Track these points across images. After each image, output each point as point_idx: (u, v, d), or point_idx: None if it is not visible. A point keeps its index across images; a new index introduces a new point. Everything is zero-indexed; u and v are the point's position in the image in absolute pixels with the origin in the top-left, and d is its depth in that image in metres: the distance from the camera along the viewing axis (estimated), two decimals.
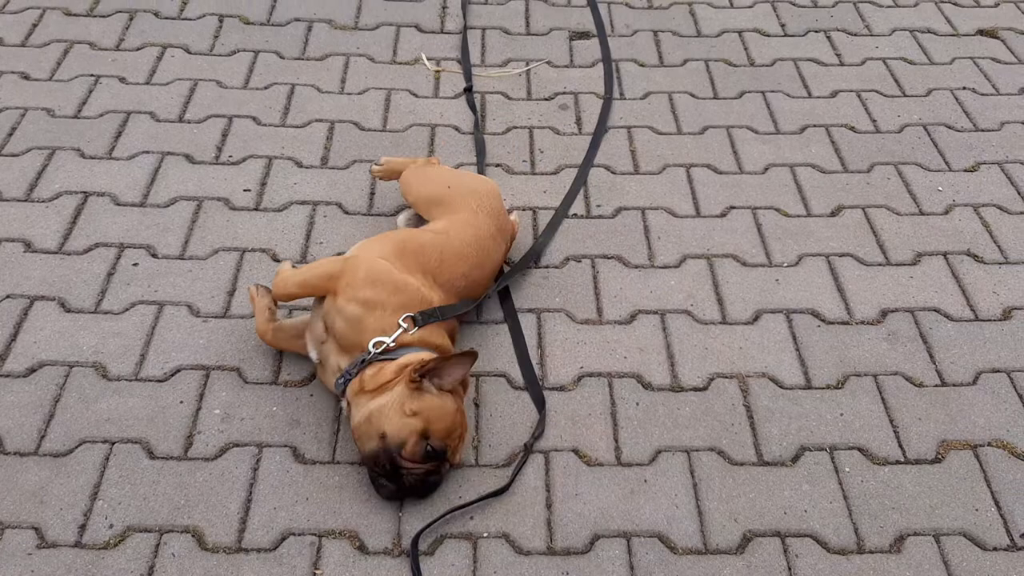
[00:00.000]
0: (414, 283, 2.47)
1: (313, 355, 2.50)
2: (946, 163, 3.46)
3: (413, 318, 2.39)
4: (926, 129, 3.61)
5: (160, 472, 2.36)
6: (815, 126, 3.61)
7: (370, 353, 2.33)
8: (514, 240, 2.98)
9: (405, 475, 2.23)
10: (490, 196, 2.85)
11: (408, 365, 2.30)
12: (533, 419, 2.53)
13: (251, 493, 2.33)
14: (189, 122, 3.50)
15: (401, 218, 3.02)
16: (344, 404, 2.38)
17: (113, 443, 2.42)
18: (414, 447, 2.22)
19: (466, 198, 2.80)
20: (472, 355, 2.28)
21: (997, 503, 2.37)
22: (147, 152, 3.35)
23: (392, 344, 2.34)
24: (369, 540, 2.24)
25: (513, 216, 3.02)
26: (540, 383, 2.61)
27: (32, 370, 2.59)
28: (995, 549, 2.27)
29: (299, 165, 3.34)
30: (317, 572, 2.17)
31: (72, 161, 3.29)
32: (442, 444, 2.25)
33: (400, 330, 2.36)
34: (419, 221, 2.90)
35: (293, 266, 2.65)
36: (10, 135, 3.40)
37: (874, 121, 3.65)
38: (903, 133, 3.59)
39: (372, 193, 3.23)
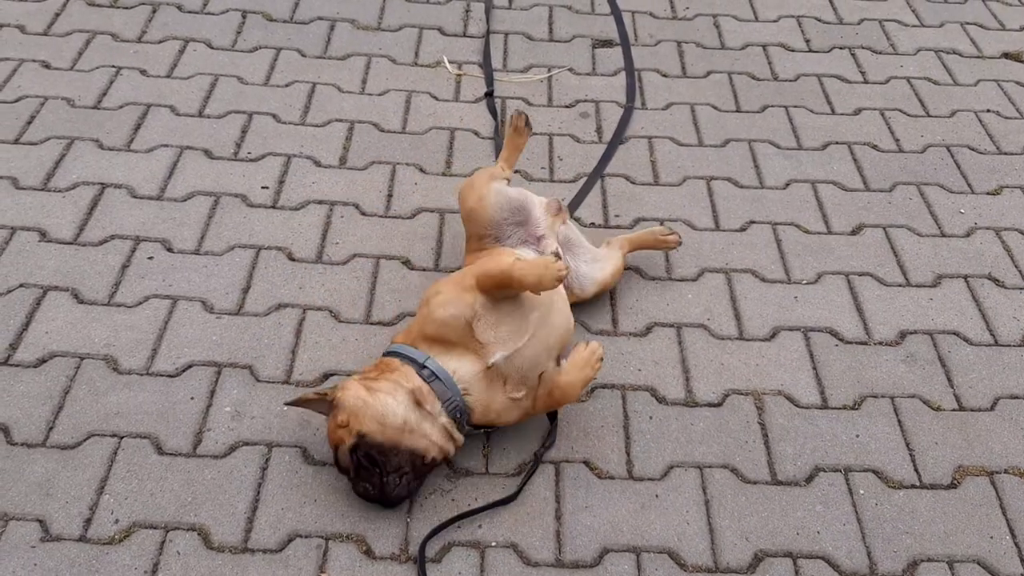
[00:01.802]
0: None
1: None
2: (969, 185, 3.42)
3: None
4: (949, 150, 3.58)
5: (168, 468, 2.34)
6: (838, 143, 3.58)
7: None
8: None
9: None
10: None
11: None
12: (544, 428, 2.50)
13: (259, 493, 2.31)
14: (209, 117, 3.49)
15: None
16: None
17: (122, 437, 2.40)
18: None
19: None
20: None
21: (1012, 531, 2.33)
22: (166, 145, 3.34)
23: None
24: (376, 545, 2.22)
25: None
26: None
27: (43, 361, 2.57)
28: None
29: (317, 164, 3.32)
30: (323, 575, 2.15)
31: (90, 152, 3.29)
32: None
33: None
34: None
35: None
36: (29, 123, 3.39)
37: (897, 140, 3.62)
38: (926, 153, 3.56)
39: (389, 195, 3.21)
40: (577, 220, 3.12)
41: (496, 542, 2.24)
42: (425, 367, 2.25)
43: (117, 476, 2.31)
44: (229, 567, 2.15)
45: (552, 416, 2.51)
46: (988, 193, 3.39)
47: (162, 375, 2.56)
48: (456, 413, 2.25)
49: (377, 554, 2.20)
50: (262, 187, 3.20)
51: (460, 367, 2.27)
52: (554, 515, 2.32)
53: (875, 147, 3.58)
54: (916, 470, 2.46)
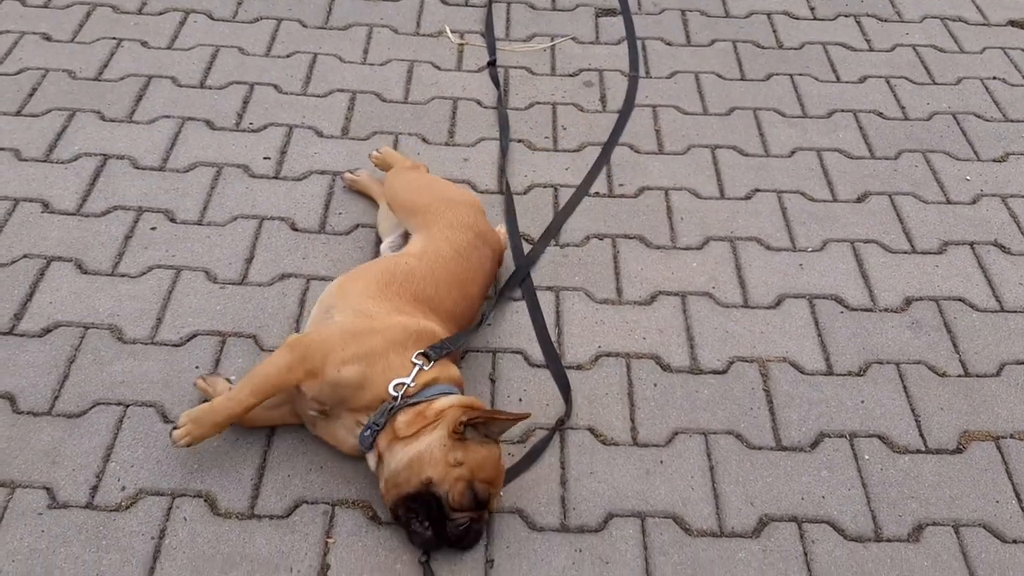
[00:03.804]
0: (402, 319, 2.32)
1: (310, 427, 2.35)
2: (975, 152, 3.40)
3: (426, 354, 2.25)
4: (955, 118, 3.56)
5: None
6: (843, 111, 3.56)
7: (396, 399, 2.16)
8: (503, 256, 2.82)
9: (449, 525, 2.08)
10: (473, 209, 2.71)
11: (445, 409, 2.15)
12: (549, 396, 2.50)
13: (265, 460, 2.32)
14: (210, 88, 3.48)
15: (384, 245, 2.82)
16: (372, 457, 2.19)
17: (127, 406, 2.40)
18: (461, 495, 2.07)
19: (447, 211, 2.65)
20: (525, 416, 2.17)
21: (1018, 495, 2.34)
22: (167, 117, 3.33)
23: (412, 385, 2.19)
24: (383, 510, 2.22)
25: (499, 229, 2.88)
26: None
27: (47, 330, 2.57)
28: (1015, 542, 2.23)
29: (319, 135, 3.31)
30: (330, 540, 2.16)
31: (92, 123, 3.27)
32: (486, 492, 2.10)
33: (416, 368, 2.21)
34: (401, 244, 2.75)
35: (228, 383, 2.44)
36: (31, 95, 3.38)
37: (903, 108, 3.59)
38: (932, 121, 3.54)
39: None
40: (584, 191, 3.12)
41: (502, 508, 2.24)
42: None
43: (123, 444, 2.32)
44: (236, 533, 2.16)
45: (564, 388, 2.50)
46: (994, 160, 3.37)
47: (167, 344, 2.56)
48: None
49: (383, 519, 2.21)
50: (264, 158, 3.19)
51: None
52: (559, 481, 2.32)
53: (880, 115, 3.56)
54: (921, 435, 2.46)
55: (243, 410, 2.21)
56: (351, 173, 3.09)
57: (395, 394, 2.17)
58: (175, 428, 2.20)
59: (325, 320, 2.37)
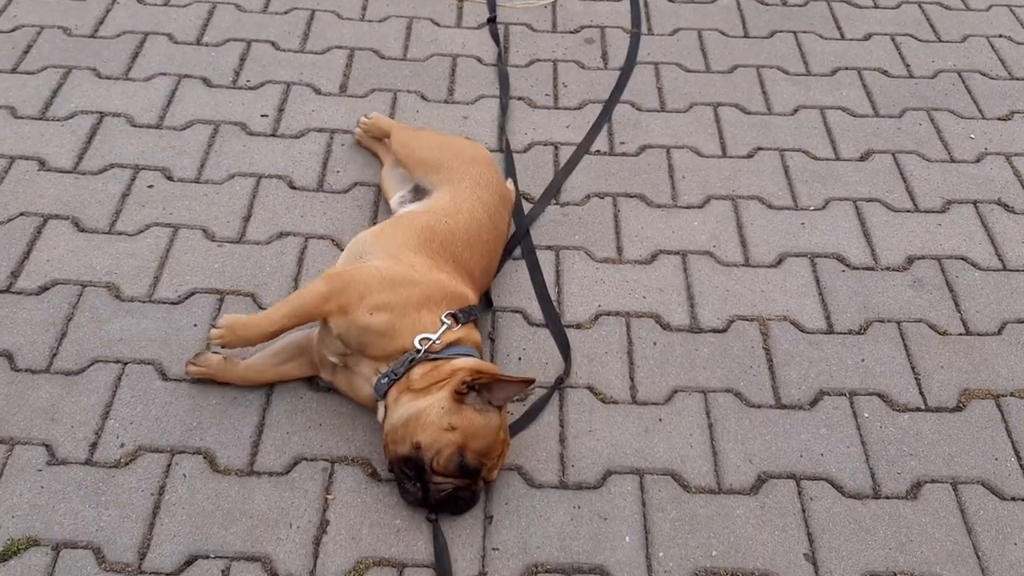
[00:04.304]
0: (442, 277, 2.31)
1: (326, 375, 2.36)
2: (979, 111, 3.37)
3: (454, 315, 2.23)
4: (960, 75, 3.52)
5: (173, 394, 2.34)
6: (847, 69, 3.52)
7: (419, 352, 2.16)
8: (511, 210, 2.79)
9: (433, 488, 2.08)
10: (488, 166, 2.69)
11: (461, 369, 2.14)
12: (549, 355, 2.50)
13: (264, 418, 2.32)
14: (207, 45, 3.44)
15: (395, 201, 2.76)
16: (382, 408, 2.19)
17: (125, 363, 2.40)
18: (447, 460, 2.06)
19: (467, 167, 2.64)
20: (530, 381, 2.11)
21: (1017, 453, 2.33)
22: (164, 74, 3.30)
23: (438, 342, 2.18)
24: (382, 467, 2.22)
25: (508, 183, 2.87)
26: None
27: (44, 288, 2.57)
28: (1014, 499, 2.24)
29: (317, 92, 3.28)
30: (329, 497, 2.16)
31: (88, 81, 3.24)
32: (477, 462, 2.08)
33: (444, 327, 2.20)
34: (415, 198, 2.71)
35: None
36: (26, 52, 3.34)
37: (907, 66, 3.55)
38: (936, 79, 3.50)
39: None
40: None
41: (504, 463, 2.24)
42: None
43: (122, 401, 2.32)
44: (235, 489, 2.16)
45: (564, 347, 2.50)
46: (999, 118, 3.34)
47: (165, 302, 2.55)
48: None
49: (383, 476, 2.21)
50: (261, 115, 3.16)
51: None
52: (558, 439, 2.32)
53: (885, 72, 3.52)
54: (921, 393, 2.46)
55: (275, 330, 2.24)
56: (365, 118, 3.03)
57: (419, 347, 2.17)
58: (213, 326, 2.28)
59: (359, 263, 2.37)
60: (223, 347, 2.26)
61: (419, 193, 2.70)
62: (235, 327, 2.24)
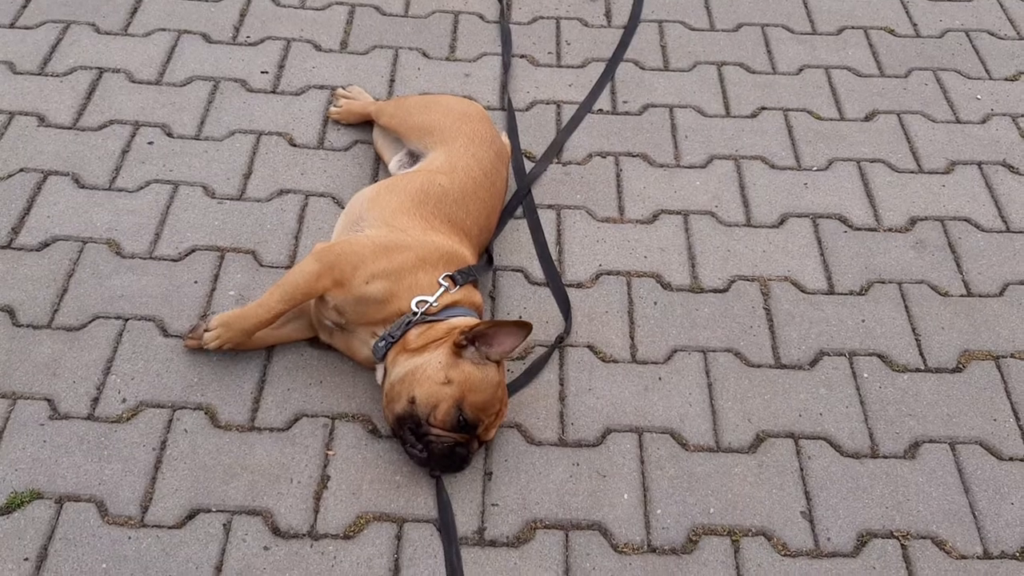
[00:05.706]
0: (436, 238, 2.30)
1: (325, 337, 2.35)
2: (986, 71, 3.33)
3: (452, 277, 2.23)
4: (968, 35, 3.48)
5: (174, 350, 2.35)
6: (853, 28, 3.48)
7: (416, 314, 2.16)
8: (508, 165, 2.78)
9: (433, 441, 2.07)
10: (481, 121, 2.66)
11: (457, 328, 2.13)
12: (549, 313, 2.50)
13: (265, 374, 2.32)
14: (207, 0, 3.40)
15: (393, 164, 2.74)
16: (380, 369, 2.20)
17: (127, 320, 2.40)
18: (445, 414, 2.05)
19: (459, 124, 2.61)
20: (527, 326, 2.07)
21: (1016, 414, 2.34)
22: (163, 29, 3.26)
23: (435, 304, 2.18)
24: (382, 424, 2.24)
25: (503, 136, 2.85)
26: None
27: (45, 244, 2.56)
28: (1011, 459, 2.25)
29: (318, 48, 3.25)
30: (329, 453, 2.18)
31: (87, 36, 3.21)
32: (475, 416, 2.07)
33: (442, 289, 2.20)
34: (412, 162, 2.69)
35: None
36: (24, 7, 3.31)
37: (915, 25, 3.51)
38: (944, 38, 3.46)
39: (392, 80, 3.14)
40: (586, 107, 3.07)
41: (501, 423, 2.25)
42: None
43: (123, 357, 2.32)
44: (236, 444, 2.18)
45: (564, 306, 2.49)
46: (1006, 79, 3.31)
47: (165, 259, 2.55)
48: None
49: (383, 433, 2.22)
50: (262, 72, 3.14)
51: None
52: (558, 397, 2.33)
53: (892, 32, 3.48)
54: (921, 354, 2.46)
55: (272, 317, 2.23)
56: (334, 107, 2.97)
57: (416, 310, 2.17)
58: (207, 330, 2.25)
59: (354, 231, 2.36)
60: (223, 347, 2.25)
61: (414, 157, 2.69)
62: (230, 323, 2.24)
